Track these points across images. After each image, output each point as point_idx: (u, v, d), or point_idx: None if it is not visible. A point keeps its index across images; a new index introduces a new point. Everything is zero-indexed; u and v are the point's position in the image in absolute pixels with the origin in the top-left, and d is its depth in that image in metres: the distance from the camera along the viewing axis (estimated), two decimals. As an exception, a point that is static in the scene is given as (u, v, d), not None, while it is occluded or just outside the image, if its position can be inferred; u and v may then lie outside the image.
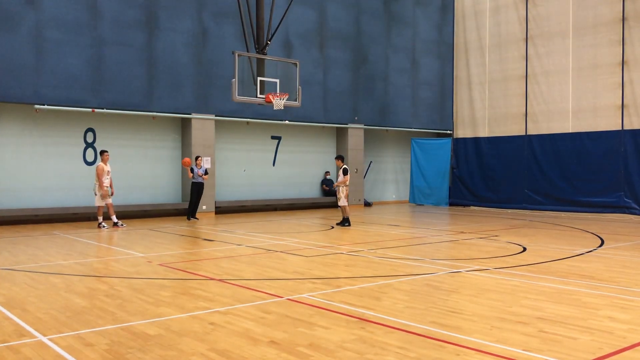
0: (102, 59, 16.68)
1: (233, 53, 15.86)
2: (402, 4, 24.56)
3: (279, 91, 16.33)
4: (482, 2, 21.84)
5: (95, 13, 16.58)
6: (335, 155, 20.99)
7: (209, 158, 18.95)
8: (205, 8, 18.73)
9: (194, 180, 16.94)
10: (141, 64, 17.41)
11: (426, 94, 25.47)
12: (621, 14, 17.94)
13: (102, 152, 15.09)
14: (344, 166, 15.06)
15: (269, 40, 16.73)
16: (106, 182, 14.80)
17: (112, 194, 15.07)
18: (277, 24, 17.15)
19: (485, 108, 21.76)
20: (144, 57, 17.45)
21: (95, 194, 14.87)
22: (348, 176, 14.97)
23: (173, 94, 18.05)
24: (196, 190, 17.20)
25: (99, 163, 14.98)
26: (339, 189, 14.97)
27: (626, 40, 17.83)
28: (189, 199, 17.41)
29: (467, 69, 22.35)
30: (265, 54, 16.62)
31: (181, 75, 18.20)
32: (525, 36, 20.40)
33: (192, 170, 16.95)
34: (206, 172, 17.33)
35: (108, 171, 14.95)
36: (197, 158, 17.33)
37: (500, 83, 21.23)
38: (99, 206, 14.95)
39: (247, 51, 16.33)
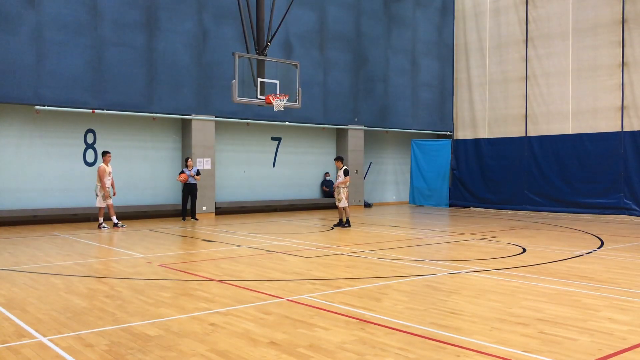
0: (102, 60, 16.69)
1: (233, 54, 15.88)
2: (402, 5, 24.58)
3: (279, 92, 16.35)
4: (483, 3, 21.87)
5: (96, 14, 16.59)
6: (334, 157, 20.97)
7: (209, 159, 18.95)
8: (206, 9, 18.74)
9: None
10: (141, 65, 17.41)
11: (426, 95, 25.48)
12: (621, 16, 17.95)
13: (105, 153, 15.09)
14: (344, 167, 15.07)
15: (269, 42, 16.75)
16: (107, 183, 14.81)
17: (114, 195, 15.08)
18: (277, 25, 17.18)
19: (485, 109, 21.77)
20: (144, 58, 17.46)
21: (97, 195, 14.87)
22: (348, 177, 14.99)
23: (173, 95, 18.05)
24: (187, 192, 17.30)
25: (101, 164, 14.97)
26: (339, 190, 14.97)
27: (626, 42, 17.84)
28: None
29: (467, 71, 22.37)
30: (265, 55, 16.64)
31: (181, 76, 18.20)
32: (525, 37, 20.41)
33: (182, 172, 17.17)
34: (198, 173, 17.36)
35: (109, 172, 14.96)
36: (186, 160, 17.40)
37: (500, 84, 21.25)
38: (100, 207, 14.96)
39: (247, 52, 16.35)
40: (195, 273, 8.43)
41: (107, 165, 14.92)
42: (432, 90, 25.68)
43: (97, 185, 14.87)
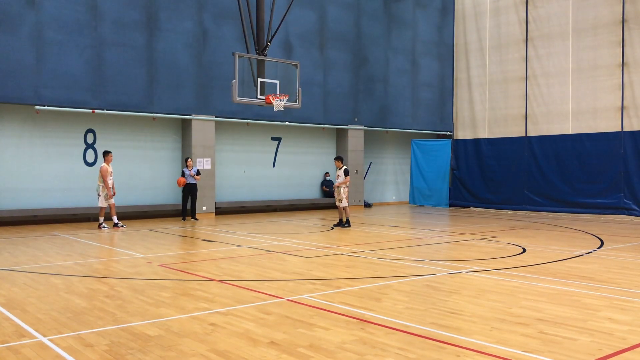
0: (102, 60, 16.69)
1: (233, 54, 15.88)
2: (402, 5, 24.57)
3: (279, 92, 16.34)
4: (483, 3, 21.86)
5: (96, 14, 16.59)
6: (334, 157, 21.00)
7: (209, 159, 18.95)
8: (206, 9, 18.74)
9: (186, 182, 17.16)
10: (141, 65, 17.41)
11: (426, 95, 25.48)
12: (621, 16, 17.95)
13: (106, 153, 15.08)
14: (344, 167, 15.08)
15: (269, 42, 16.74)
16: (110, 182, 14.82)
17: (114, 194, 15.09)
18: (277, 25, 17.17)
19: (485, 109, 21.77)
20: (144, 58, 17.46)
21: (99, 195, 14.86)
22: (348, 177, 14.99)
23: (173, 95, 18.05)
24: (187, 191, 17.31)
25: (103, 164, 14.96)
26: (339, 190, 14.97)
27: (626, 42, 17.84)
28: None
29: (467, 71, 22.37)
30: (265, 55, 16.64)
31: (181, 76, 18.20)
32: (525, 37, 20.41)
33: (183, 173, 17.18)
34: (198, 173, 17.35)
35: (111, 172, 14.96)
36: (186, 160, 17.40)
37: (500, 84, 21.24)
38: (101, 207, 14.96)
39: (247, 52, 16.35)
40: (195, 273, 8.43)
41: (109, 165, 14.93)
42: (432, 90, 25.68)
43: (99, 185, 14.86)
